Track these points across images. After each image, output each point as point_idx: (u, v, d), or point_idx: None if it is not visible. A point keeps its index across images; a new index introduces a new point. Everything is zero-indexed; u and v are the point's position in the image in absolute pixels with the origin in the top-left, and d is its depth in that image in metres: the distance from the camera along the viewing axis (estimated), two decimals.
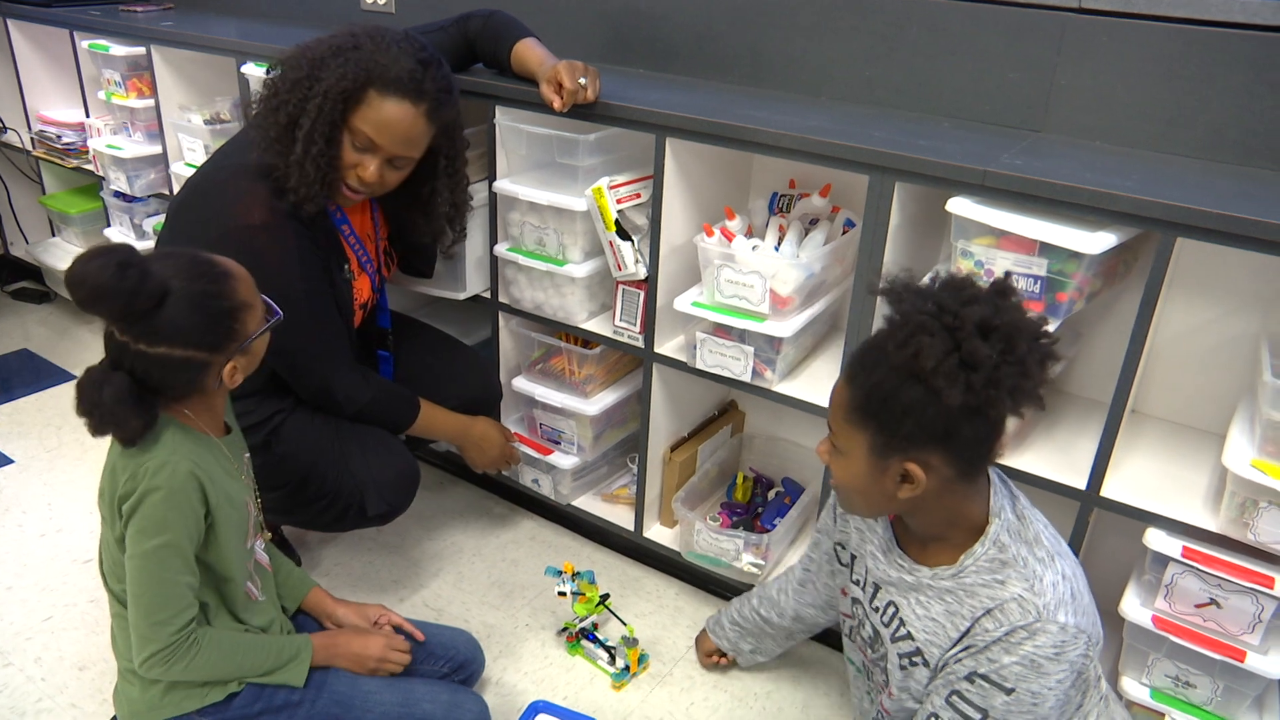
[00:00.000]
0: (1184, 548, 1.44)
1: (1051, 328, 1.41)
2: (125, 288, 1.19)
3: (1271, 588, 1.38)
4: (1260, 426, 1.37)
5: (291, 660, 1.45)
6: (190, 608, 1.33)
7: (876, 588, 1.38)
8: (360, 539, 2.19)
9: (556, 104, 1.73)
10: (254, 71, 2.20)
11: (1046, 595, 1.19)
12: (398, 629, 1.63)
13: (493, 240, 2.02)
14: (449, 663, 1.67)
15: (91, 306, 1.21)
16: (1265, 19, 1.54)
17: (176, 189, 2.63)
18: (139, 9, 2.82)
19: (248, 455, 1.51)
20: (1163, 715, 1.53)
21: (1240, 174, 1.56)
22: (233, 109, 2.52)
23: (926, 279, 1.26)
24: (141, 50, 2.53)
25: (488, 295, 2.10)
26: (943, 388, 1.10)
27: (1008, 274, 1.31)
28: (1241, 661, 1.43)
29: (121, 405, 1.24)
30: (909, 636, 1.32)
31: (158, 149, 2.66)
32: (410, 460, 1.86)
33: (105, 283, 1.19)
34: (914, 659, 1.32)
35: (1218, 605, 1.44)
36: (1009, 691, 1.19)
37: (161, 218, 2.74)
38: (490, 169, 1.96)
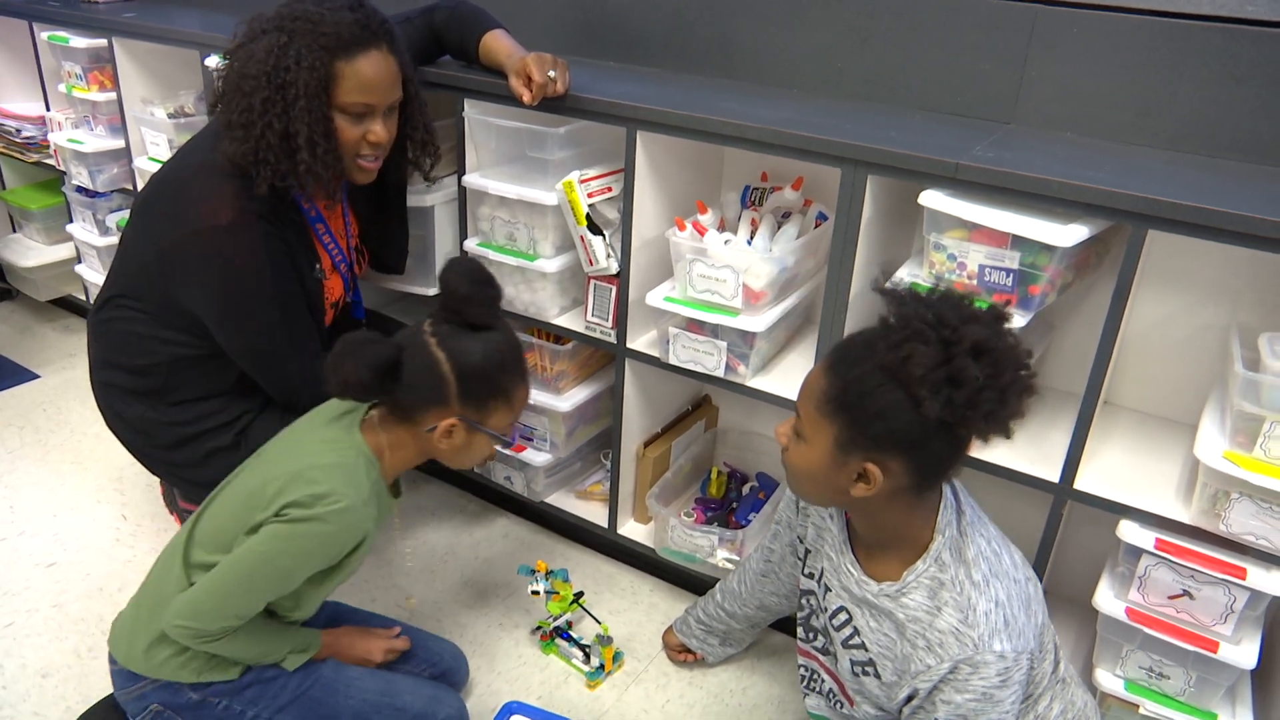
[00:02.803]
0: (1157, 540, 1.44)
1: (1023, 321, 1.42)
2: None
3: (1243, 578, 1.38)
4: (1231, 418, 1.37)
5: (304, 647, 1.49)
6: (248, 617, 1.36)
7: (828, 589, 1.39)
8: None
9: (526, 97, 1.71)
10: (217, 64, 2.15)
11: (980, 627, 1.20)
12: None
13: (463, 235, 2.00)
14: (432, 667, 1.69)
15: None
16: (1232, 11, 1.54)
17: (141, 184, 2.59)
18: (101, 0, 2.76)
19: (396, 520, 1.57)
20: (1137, 706, 1.54)
21: (1209, 165, 1.56)
22: (197, 102, 2.48)
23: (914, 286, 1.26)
24: (103, 42, 2.48)
25: None
26: (925, 398, 1.10)
27: (1007, 303, 1.31)
28: (1214, 652, 1.43)
29: (371, 370, 1.30)
30: (863, 647, 1.33)
31: (120, 143, 2.61)
32: None
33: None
34: (866, 669, 1.33)
35: (1190, 596, 1.45)
36: None
37: (125, 213, 2.70)
38: (459, 163, 1.93)
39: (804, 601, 1.47)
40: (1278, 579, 1.37)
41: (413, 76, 1.71)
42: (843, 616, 1.36)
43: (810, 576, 1.45)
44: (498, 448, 1.97)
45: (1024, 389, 1.15)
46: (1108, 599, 1.51)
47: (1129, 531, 1.47)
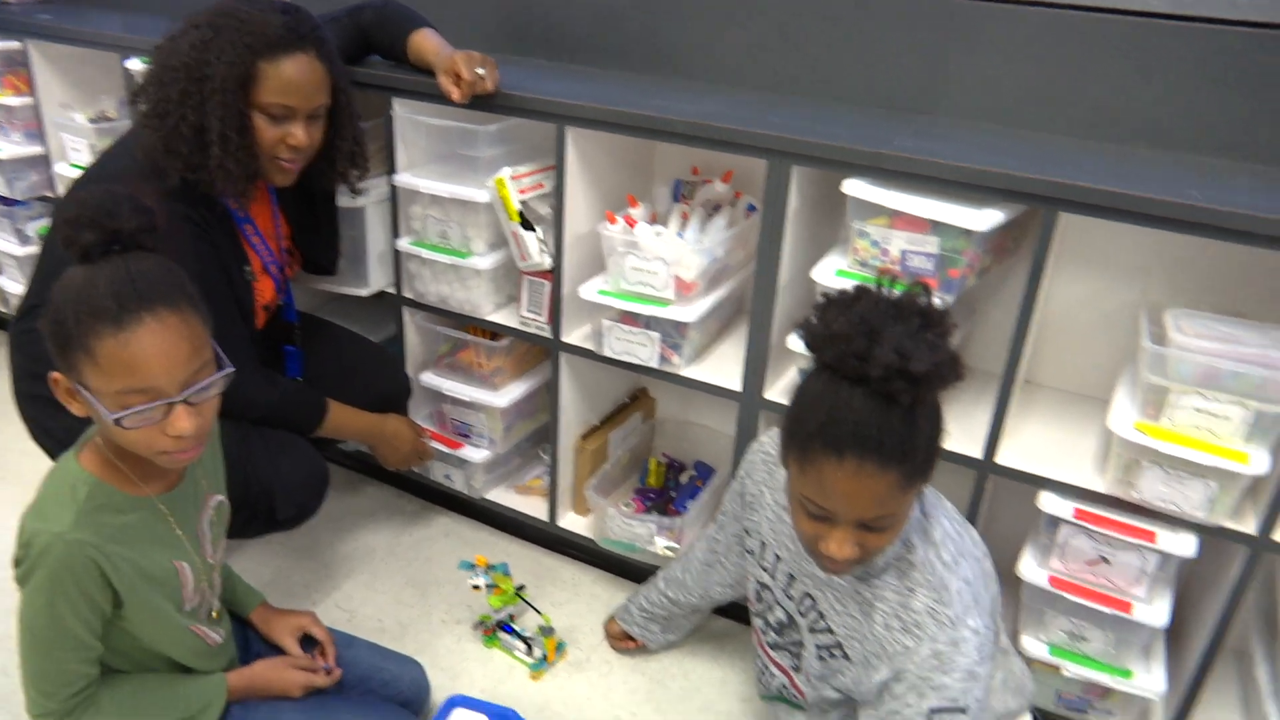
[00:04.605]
0: (1075, 509, 1.51)
1: (942, 301, 1.47)
2: None
3: (1154, 542, 1.46)
4: (1141, 390, 1.44)
5: (202, 710, 1.37)
6: (81, 679, 1.25)
7: (791, 577, 1.40)
8: (269, 544, 2.14)
9: (455, 95, 1.72)
10: (139, 67, 2.12)
11: (955, 605, 1.22)
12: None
13: (395, 234, 2.00)
14: (391, 693, 1.63)
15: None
16: (1138, 4, 1.62)
17: (61, 191, 2.53)
18: (13, 0, 2.69)
19: (219, 499, 1.44)
20: (1059, 669, 1.60)
21: (1118, 152, 1.64)
22: (119, 106, 2.43)
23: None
24: (17, 45, 2.43)
25: (392, 291, 2.07)
26: (934, 393, 1.11)
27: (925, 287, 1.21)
28: (1129, 613, 1.50)
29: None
30: (829, 630, 1.34)
31: (39, 149, 2.55)
32: (319, 461, 1.82)
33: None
34: (834, 651, 1.34)
35: (1107, 562, 1.51)
36: (964, 710, 1.20)
37: (46, 221, 2.64)
38: (389, 162, 1.93)
39: (761, 595, 1.48)
40: (1185, 541, 1.45)
41: (345, 86, 1.70)
42: (809, 602, 1.37)
43: (766, 570, 1.45)
44: (411, 440, 1.97)
45: (932, 321, 1.11)
46: (1031, 568, 1.57)
47: (1049, 502, 1.53)
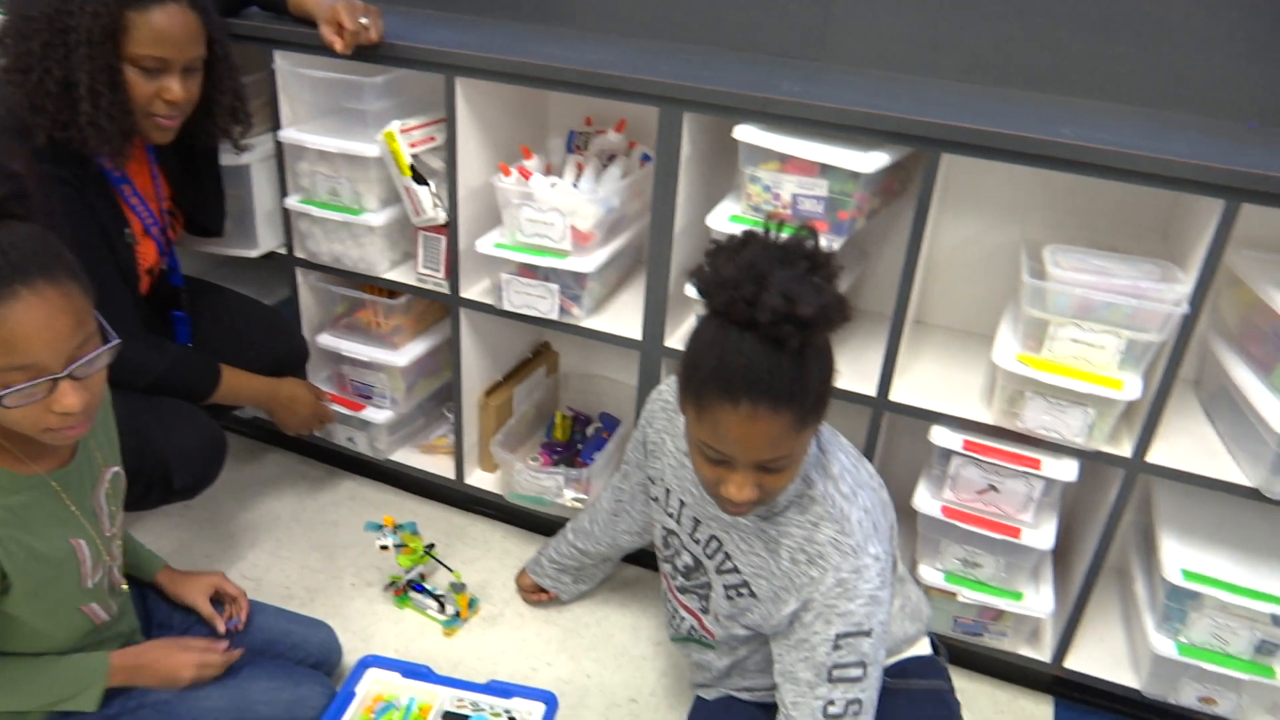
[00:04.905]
0: (965, 441, 1.57)
1: (836, 245, 1.50)
2: None
3: (1039, 469, 1.53)
4: (1022, 324, 1.50)
5: (80, 692, 1.32)
6: None
7: (696, 521, 1.42)
8: (168, 515, 2.08)
9: (338, 46, 1.67)
10: None
11: (856, 534, 1.26)
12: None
13: (283, 193, 1.94)
14: (301, 657, 1.62)
15: None
16: None
17: None
18: None
19: (115, 470, 1.38)
20: (955, 595, 1.67)
21: (997, 94, 1.69)
22: None
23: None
24: None
25: (283, 251, 2.02)
26: (822, 335, 1.11)
27: (811, 231, 1.18)
28: (1018, 538, 1.57)
29: None
30: (735, 570, 1.37)
31: None
32: (215, 429, 1.77)
33: None
34: (741, 590, 1.37)
35: (996, 490, 1.58)
36: (869, 633, 1.25)
37: None
38: (274, 118, 1.87)
39: (668, 541, 1.50)
40: (1067, 466, 1.52)
41: (221, 38, 1.64)
42: (714, 545, 1.40)
43: (671, 516, 1.48)
44: (310, 403, 1.93)
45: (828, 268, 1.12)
46: (925, 500, 1.63)
47: (940, 436, 1.59)
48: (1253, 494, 1.46)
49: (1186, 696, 1.63)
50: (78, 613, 1.31)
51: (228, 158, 1.86)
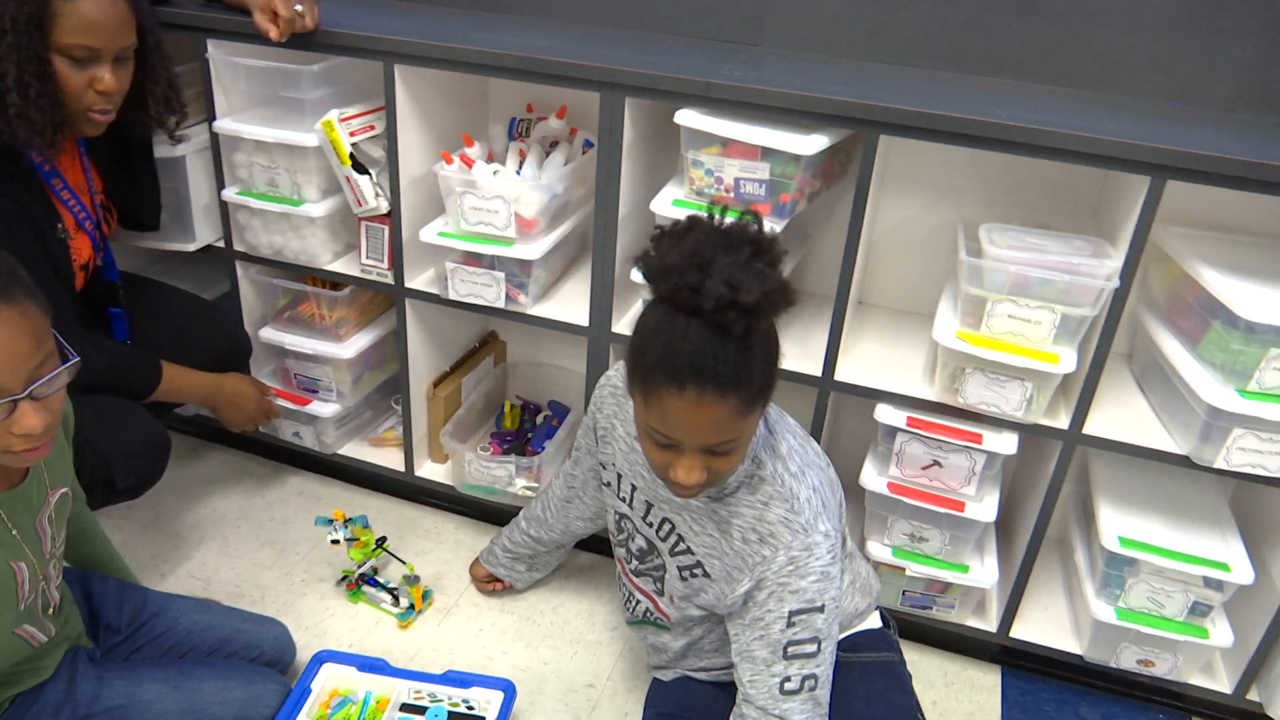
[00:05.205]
0: (909, 418, 1.60)
1: (778, 228, 1.52)
2: None
3: (980, 443, 1.56)
4: (961, 301, 1.53)
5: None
6: None
7: (649, 505, 1.43)
8: (110, 516, 2.04)
9: (273, 33, 1.65)
10: None
11: (805, 512, 1.28)
12: None
13: (220, 185, 1.90)
14: (254, 656, 1.60)
15: None
16: None
17: None
18: None
19: (63, 491, 1.34)
20: (903, 569, 1.71)
21: (932, 77, 1.72)
22: None
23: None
24: None
25: (222, 245, 1.98)
26: (766, 321, 1.13)
27: (756, 214, 1.20)
28: (962, 511, 1.61)
29: None
30: (689, 551, 1.39)
31: None
32: (158, 427, 1.74)
33: None
34: (695, 571, 1.39)
35: (940, 465, 1.62)
36: (822, 609, 1.27)
37: None
38: (208, 108, 1.84)
39: (621, 525, 1.51)
40: (1008, 440, 1.56)
41: (152, 25, 1.60)
42: (667, 527, 1.41)
43: (624, 500, 1.49)
44: (254, 398, 1.90)
45: (770, 252, 1.13)
46: (872, 477, 1.66)
47: (884, 413, 1.62)
48: (1184, 461, 1.52)
49: (1126, 660, 1.69)
50: (13, 636, 1.27)
51: (162, 150, 1.82)
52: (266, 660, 1.61)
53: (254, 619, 1.65)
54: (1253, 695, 1.68)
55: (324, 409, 2.03)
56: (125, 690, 1.39)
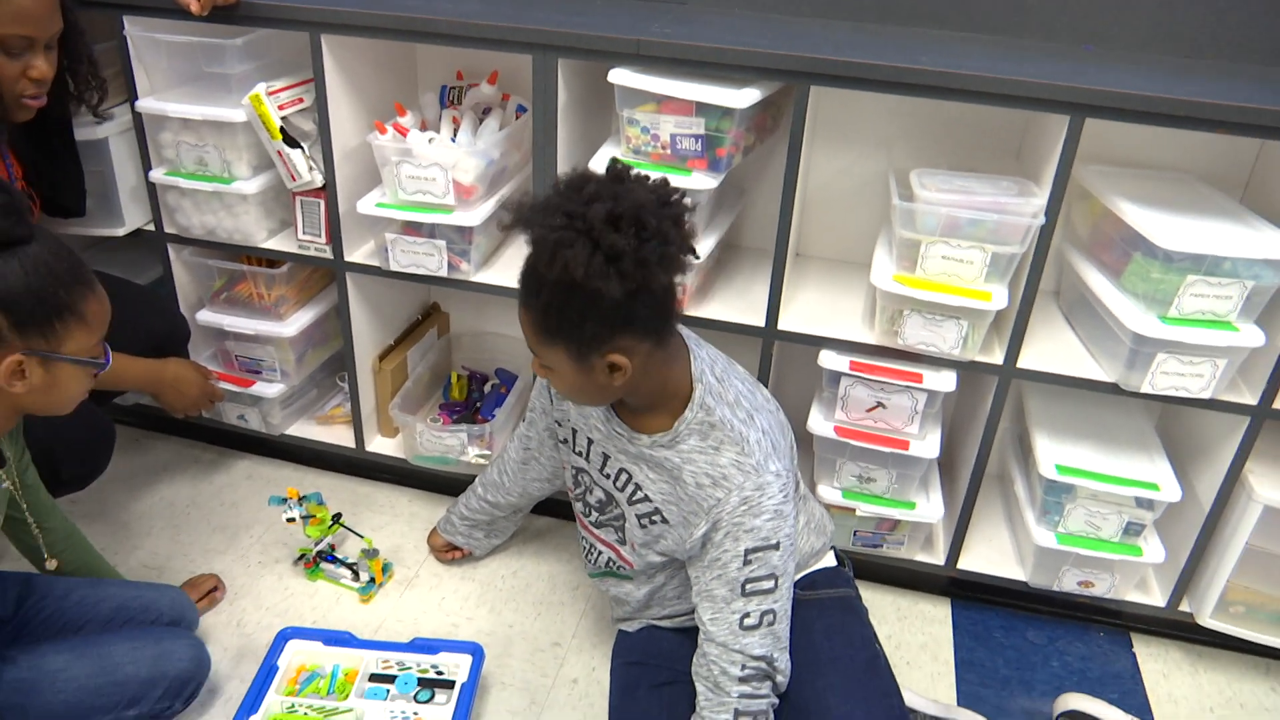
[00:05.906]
0: (851, 362, 1.64)
1: (715, 183, 1.54)
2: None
3: (921, 382, 1.61)
4: (896, 246, 1.57)
5: None
6: None
7: (605, 456, 1.46)
8: None
9: (194, 7, 1.62)
10: None
11: (756, 454, 1.32)
12: None
13: (146, 166, 1.86)
14: (156, 620, 1.58)
15: None
16: None
17: None
18: None
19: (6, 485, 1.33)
20: (853, 510, 1.76)
21: (858, 29, 1.75)
22: None
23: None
24: None
25: (152, 228, 1.94)
26: (601, 287, 1.15)
27: (619, 162, 1.27)
28: (906, 450, 1.66)
29: None
30: (647, 499, 1.42)
31: None
32: (101, 416, 1.72)
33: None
34: (654, 518, 1.42)
35: (883, 406, 1.66)
36: (776, 546, 1.31)
37: None
38: (129, 88, 1.79)
39: (579, 479, 1.54)
40: (946, 377, 1.61)
41: (70, 4, 1.57)
42: (624, 477, 1.44)
43: (580, 455, 1.51)
44: (197, 383, 1.88)
45: (676, 217, 1.19)
46: (819, 422, 1.71)
47: (828, 359, 1.66)
48: (1112, 389, 1.58)
49: (1068, 582, 1.76)
50: None
51: (84, 132, 1.78)
52: (167, 621, 1.59)
53: (148, 586, 1.63)
54: (1184, 606, 1.77)
55: (268, 390, 2.01)
56: (29, 663, 1.37)
